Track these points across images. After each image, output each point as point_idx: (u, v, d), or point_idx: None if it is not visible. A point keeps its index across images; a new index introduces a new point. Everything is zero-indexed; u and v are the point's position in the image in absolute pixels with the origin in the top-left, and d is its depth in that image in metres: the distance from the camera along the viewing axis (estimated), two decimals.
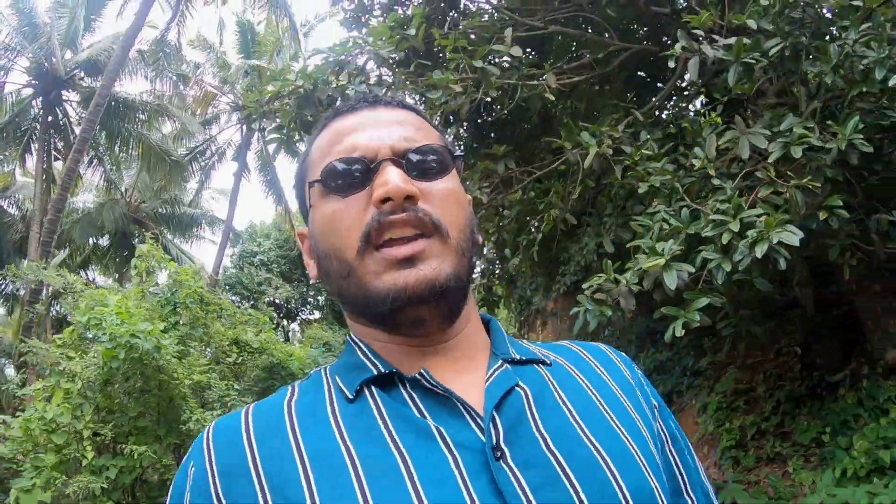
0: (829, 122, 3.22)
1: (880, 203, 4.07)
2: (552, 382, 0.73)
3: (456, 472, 0.60)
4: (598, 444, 0.66)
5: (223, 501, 0.63)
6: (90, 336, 5.66)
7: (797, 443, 5.38)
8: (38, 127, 16.54)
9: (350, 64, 4.45)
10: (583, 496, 0.61)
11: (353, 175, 0.70)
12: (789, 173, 3.17)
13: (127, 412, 5.73)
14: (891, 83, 3.01)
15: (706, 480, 0.82)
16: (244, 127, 19.68)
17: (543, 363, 0.76)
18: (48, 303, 11.67)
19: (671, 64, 3.59)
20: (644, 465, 0.68)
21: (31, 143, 17.45)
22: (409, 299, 0.65)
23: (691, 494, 0.78)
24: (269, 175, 21.51)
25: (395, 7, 7.13)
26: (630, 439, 0.70)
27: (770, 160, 3.19)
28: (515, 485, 0.60)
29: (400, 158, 0.70)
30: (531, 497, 0.59)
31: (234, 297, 20.50)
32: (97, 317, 5.53)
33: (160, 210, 20.39)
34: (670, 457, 0.78)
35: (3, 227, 18.78)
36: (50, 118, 16.86)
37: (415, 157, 0.71)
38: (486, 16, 6.00)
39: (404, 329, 0.70)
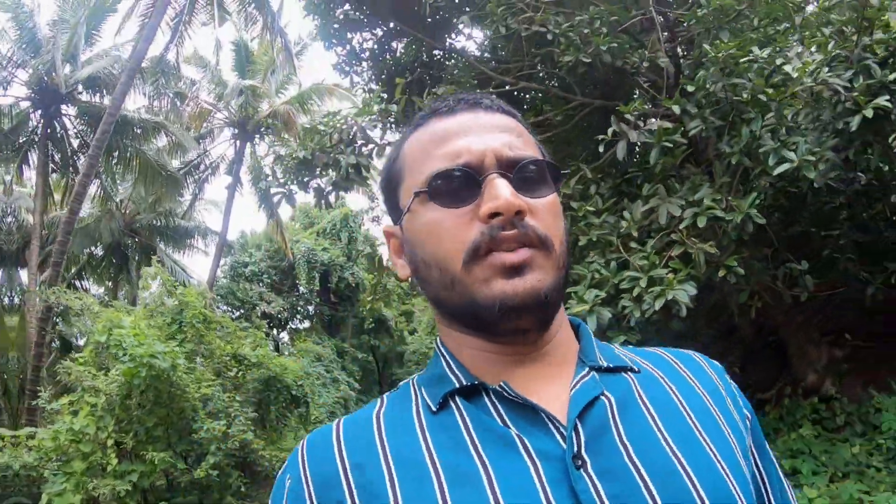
0: (730, 198, 4.00)
1: (794, 252, 4.86)
2: (638, 391, 0.73)
3: (536, 481, 0.62)
4: (680, 455, 0.66)
5: None
6: (114, 354, 6.31)
7: None
8: (38, 140, 17.06)
9: (343, 131, 5.19)
10: None
11: (460, 186, 0.70)
12: (693, 239, 3.93)
13: (143, 423, 6.40)
14: (776, 171, 3.76)
15: (792, 498, 0.82)
16: (237, 142, 20.33)
17: (632, 370, 0.76)
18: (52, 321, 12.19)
19: (601, 149, 4.36)
20: (729, 477, 0.67)
21: (29, 154, 17.99)
22: (517, 308, 0.66)
23: None
24: (262, 191, 22.09)
25: (382, 56, 7.90)
26: (716, 451, 0.68)
27: (681, 226, 3.95)
28: (594, 493, 0.61)
29: (507, 171, 0.70)
30: None
31: (226, 308, 21.09)
32: (118, 339, 6.19)
33: (155, 222, 20.94)
34: (757, 472, 0.78)
35: (1, 238, 19.28)
36: (48, 130, 17.40)
37: (522, 170, 0.71)
38: (461, 71, 6.74)
39: (503, 337, 0.71)
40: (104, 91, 16.46)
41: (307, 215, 23.55)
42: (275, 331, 24.84)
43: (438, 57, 7.84)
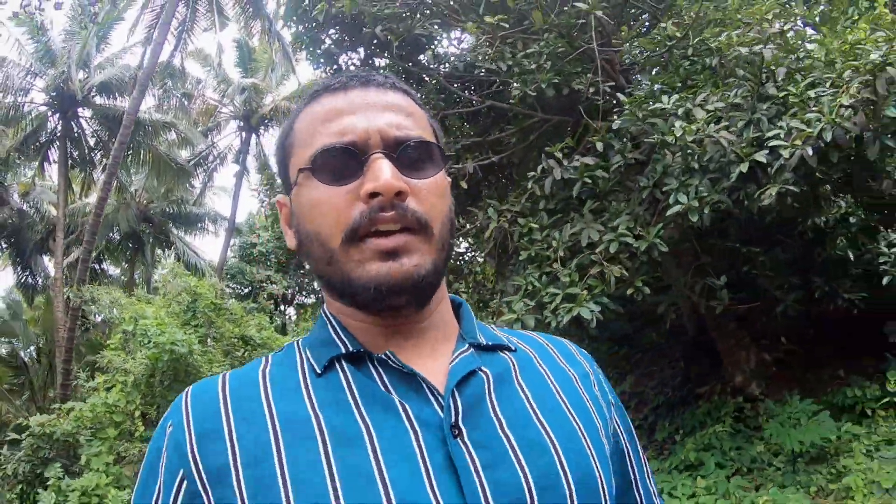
0: (639, 229, 4.87)
1: (718, 267, 5.85)
2: (514, 368, 0.77)
3: (415, 445, 0.65)
4: (549, 430, 0.70)
5: (198, 460, 0.67)
6: (140, 341, 7.70)
7: (655, 439, 6.99)
8: (57, 140, 18.41)
9: None
10: (529, 477, 0.65)
11: (343, 164, 0.71)
12: (605, 263, 4.83)
13: (165, 397, 7.80)
14: (668, 213, 4.69)
15: (651, 482, 0.88)
16: (243, 133, 21.60)
17: (508, 349, 0.79)
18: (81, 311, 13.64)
19: (528, 185, 5.39)
20: (592, 453, 0.72)
21: (49, 153, 19.39)
22: (390, 290, 0.68)
23: (640, 491, 0.85)
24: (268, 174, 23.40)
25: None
26: (582, 428, 0.73)
27: (598, 249, 4.88)
28: (469, 461, 0.64)
29: (391, 150, 0.71)
30: (482, 474, 0.64)
31: (236, 286, 22.56)
32: (143, 328, 7.57)
33: (167, 210, 22.33)
34: (625, 453, 0.84)
35: (26, 228, 20.74)
36: (67, 131, 18.73)
37: (406, 150, 0.71)
38: (430, 92, 7.68)
39: (380, 313, 0.72)
40: (116, 94, 17.74)
41: None
42: (282, 307, 26.37)
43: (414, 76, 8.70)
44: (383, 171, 0.68)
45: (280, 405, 0.69)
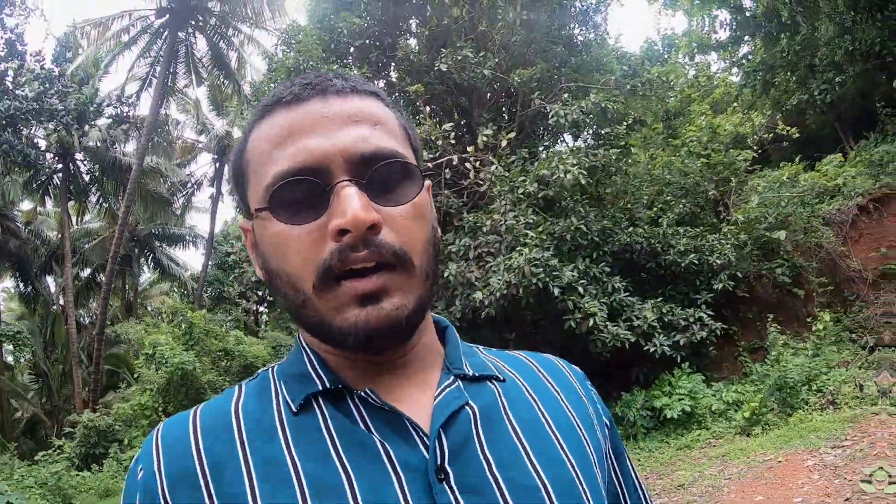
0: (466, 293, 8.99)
1: (511, 326, 9.96)
2: (502, 402, 0.72)
3: (399, 494, 0.61)
4: (541, 471, 0.66)
5: None
6: (158, 361, 11.55)
7: None
8: (59, 181, 21.86)
9: None
10: None
11: (304, 197, 0.63)
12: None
13: (177, 398, 11.67)
14: (472, 297, 8.81)
15: (648, 501, 0.84)
16: (217, 164, 25.19)
17: (497, 379, 0.75)
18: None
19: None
20: (585, 493, 0.67)
21: (48, 187, 22.85)
22: (372, 336, 0.63)
23: None
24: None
25: None
26: (575, 465, 0.69)
27: None
28: None
29: (359, 174, 0.63)
30: None
31: (212, 290, 26.31)
32: (161, 354, 11.42)
33: (153, 231, 25.89)
34: (614, 477, 0.80)
35: (31, 252, 24.16)
36: (65, 170, 22.17)
37: (376, 172, 0.64)
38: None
39: (359, 352, 0.68)
40: (107, 139, 21.25)
41: None
42: (256, 307, 29.90)
43: None
44: (351, 204, 0.61)
45: (255, 446, 0.65)
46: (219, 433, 0.67)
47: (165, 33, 18.76)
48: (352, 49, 11.55)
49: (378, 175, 0.64)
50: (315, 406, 0.68)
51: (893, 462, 5.37)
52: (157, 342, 11.81)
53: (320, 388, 0.68)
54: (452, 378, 0.71)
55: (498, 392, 0.73)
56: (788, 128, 11.71)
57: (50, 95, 18.58)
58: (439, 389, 0.69)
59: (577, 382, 0.82)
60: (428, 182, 0.72)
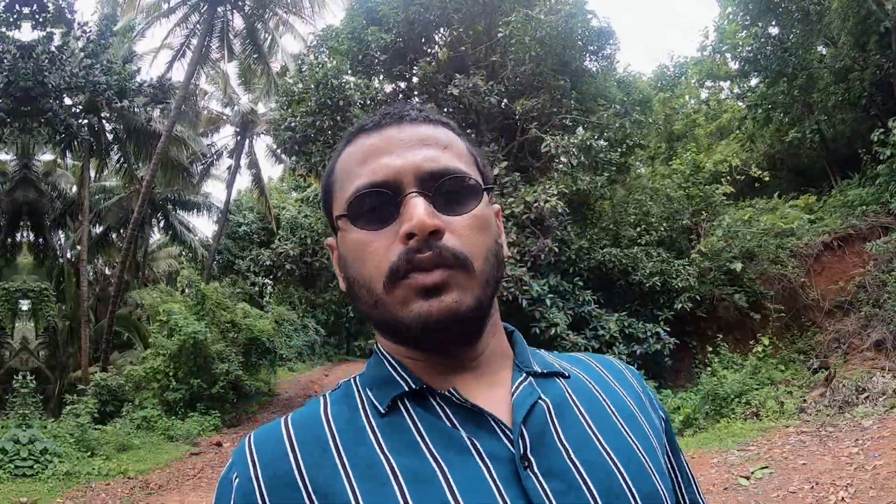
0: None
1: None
2: (571, 395, 0.78)
3: (490, 481, 0.66)
4: (612, 453, 0.72)
5: None
6: (171, 328, 12.15)
7: None
8: (83, 137, 22.36)
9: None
10: (598, 501, 0.67)
11: (379, 206, 0.71)
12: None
13: (188, 364, 12.28)
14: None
15: (700, 494, 0.90)
16: (239, 136, 25.70)
17: (563, 376, 0.80)
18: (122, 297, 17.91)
19: None
20: (653, 472, 0.74)
21: (72, 142, 23.38)
22: (435, 328, 0.68)
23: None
24: (255, 170, 27.58)
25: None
26: (640, 447, 0.75)
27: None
28: (541, 491, 0.66)
29: (427, 187, 0.70)
30: (555, 502, 0.66)
31: (221, 259, 26.88)
32: (174, 322, 12.01)
33: (169, 196, 26.43)
34: (669, 469, 0.84)
35: (46, 205, 24.69)
36: (90, 126, 22.67)
37: (442, 186, 0.71)
38: None
39: (430, 351, 0.73)
40: (132, 102, 21.72)
41: (295, 178, 28.21)
42: (261, 278, 30.39)
43: None
44: (417, 210, 0.68)
45: (348, 447, 0.69)
46: (311, 436, 0.71)
47: (205, 7, 19.24)
48: (376, 62, 12.64)
49: (443, 188, 0.71)
50: (401, 407, 0.72)
51: (777, 465, 6.26)
52: (172, 311, 12.40)
53: (406, 389, 0.73)
54: (524, 375, 0.77)
55: (565, 386, 0.79)
56: (761, 171, 13.31)
57: (96, 70, 19.09)
58: (514, 386, 0.74)
59: (634, 379, 0.88)
60: (497, 206, 0.82)
